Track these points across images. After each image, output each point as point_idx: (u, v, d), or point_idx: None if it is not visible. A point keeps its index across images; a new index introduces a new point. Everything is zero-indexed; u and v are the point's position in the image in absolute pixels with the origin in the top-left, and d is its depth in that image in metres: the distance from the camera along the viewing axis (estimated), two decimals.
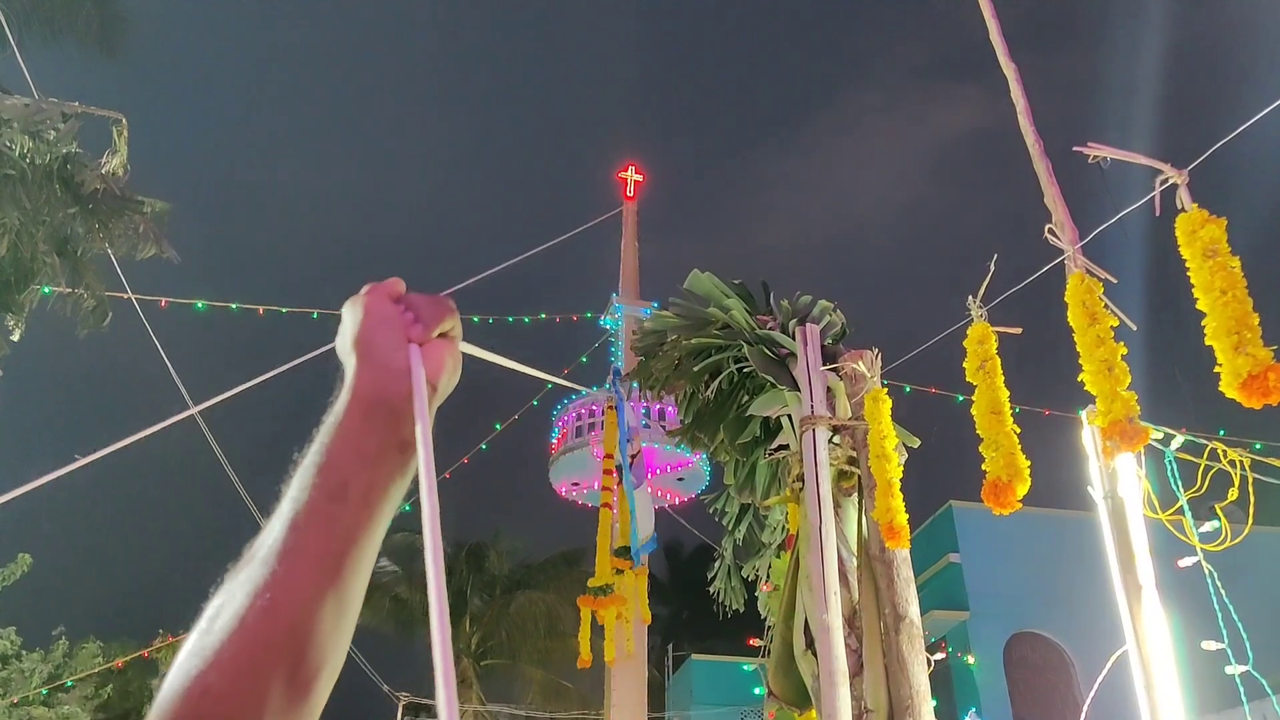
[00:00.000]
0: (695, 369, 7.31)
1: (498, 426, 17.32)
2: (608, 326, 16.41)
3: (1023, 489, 3.71)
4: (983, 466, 3.81)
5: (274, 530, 0.70)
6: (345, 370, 0.81)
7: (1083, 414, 4.92)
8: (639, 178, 20.34)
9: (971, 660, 20.01)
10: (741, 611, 11.03)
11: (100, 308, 9.48)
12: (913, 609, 4.94)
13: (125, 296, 10.73)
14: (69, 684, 16.88)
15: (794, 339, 6.72)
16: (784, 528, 9.02)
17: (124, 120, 9.63)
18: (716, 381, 7.17)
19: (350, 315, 0.83)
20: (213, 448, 11.81)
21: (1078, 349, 3.39)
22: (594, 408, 19.12)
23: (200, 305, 13.05)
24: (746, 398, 7.44)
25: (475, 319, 15.73)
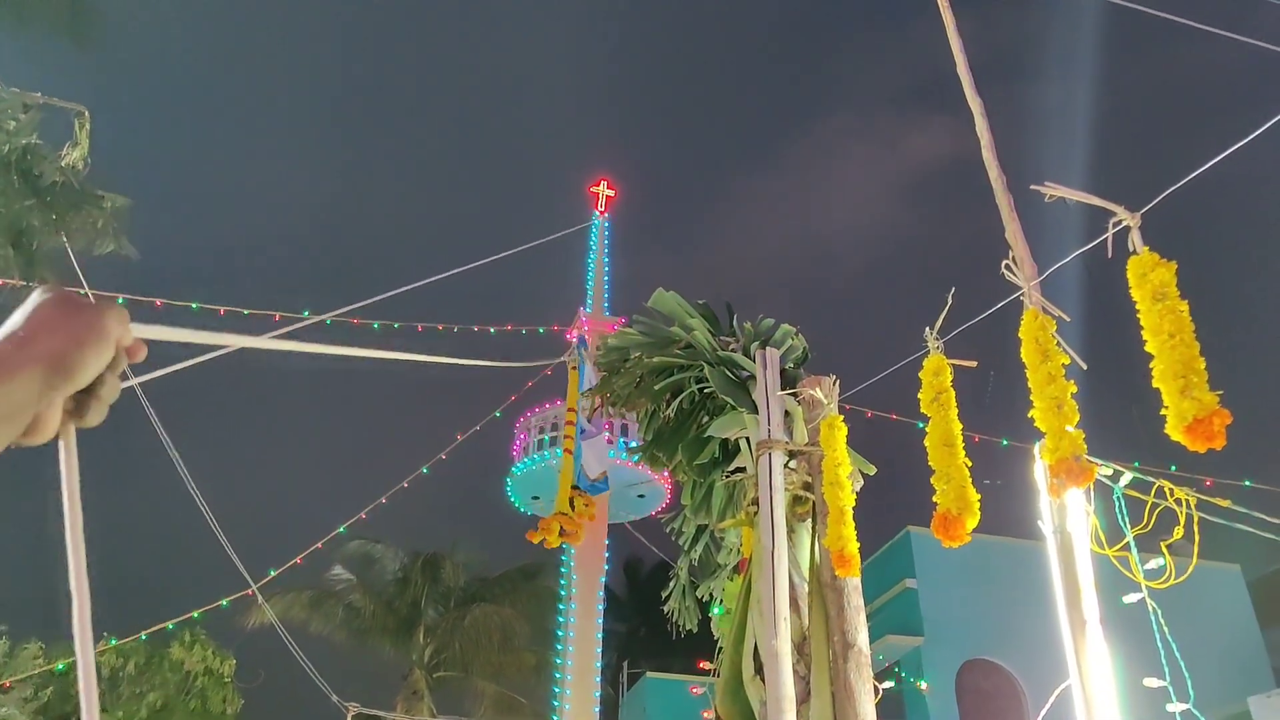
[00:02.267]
0: (656, 387, 7.30)
1: (458, 437, 17.19)
2: (574, 343, 16.41)
3: (972, 522, 3.73)
4: (934, 499, 3.82)
5: None
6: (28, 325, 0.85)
7: (1035, 447, 4.97)
8: (610, 192, 20.40)
9: (924, 686, 20.12)
10: (695, 632, 10.99)
11: None
12: (861, 637, 4.94)
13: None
14: (8, 685, 16.46)
15: (755, 361, 6.74)
16: (739, 550, 9.02)
17: (86, 113, 9.48)
18: (677, 401, 7.17)
19: (18, 314, 0.88)
20: (160, 435, 11.61)
21: (1030, 385, 3.43)
22: (557, 420, 19.05)
23: (158, 304, 12.83)
24: (707, 418, 7.44)
25: (440, 327, 15.62)
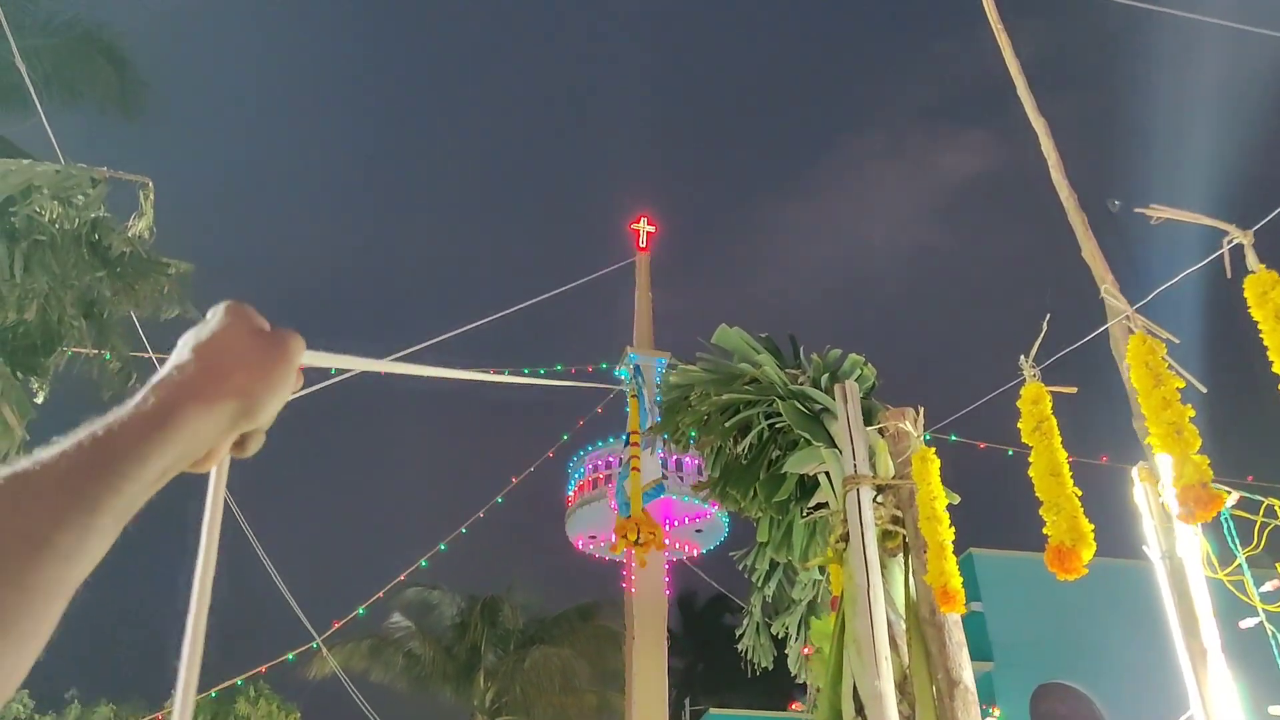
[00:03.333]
0: (726, 424, 7.25)
1: (513, 480, 17.21)
2: (623, 378, 16.55)
3: (1088, 554, 3.63)
4: (1044, 530, 3.73)
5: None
6: (168, 368, 0.80)
7: (1134, 470, 4.84)
8: (651, 228, 20.47)
9: (997, 713, 19.58)
10: (765, 668, 10.84)
11: (125, 369, 9.49)
12: (966, 674, 4.82)
13: (146, 356, 10.74)
14: None
15: (827, 393, 6.67)
16: (815, 585, 8.88)
17: (150, 184, 9.72)
18: (748, 438, 7.11)
19: (200, 331, 0.84)
20: (233, 511, 11.74)
21: (1143, 411, 3.34)
22: (610, 459, 19.02)
23: None
24: (778, 453, 7.37)
25: (492, 371, 15.71)
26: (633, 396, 14.94)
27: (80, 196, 8.65)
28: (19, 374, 8.92)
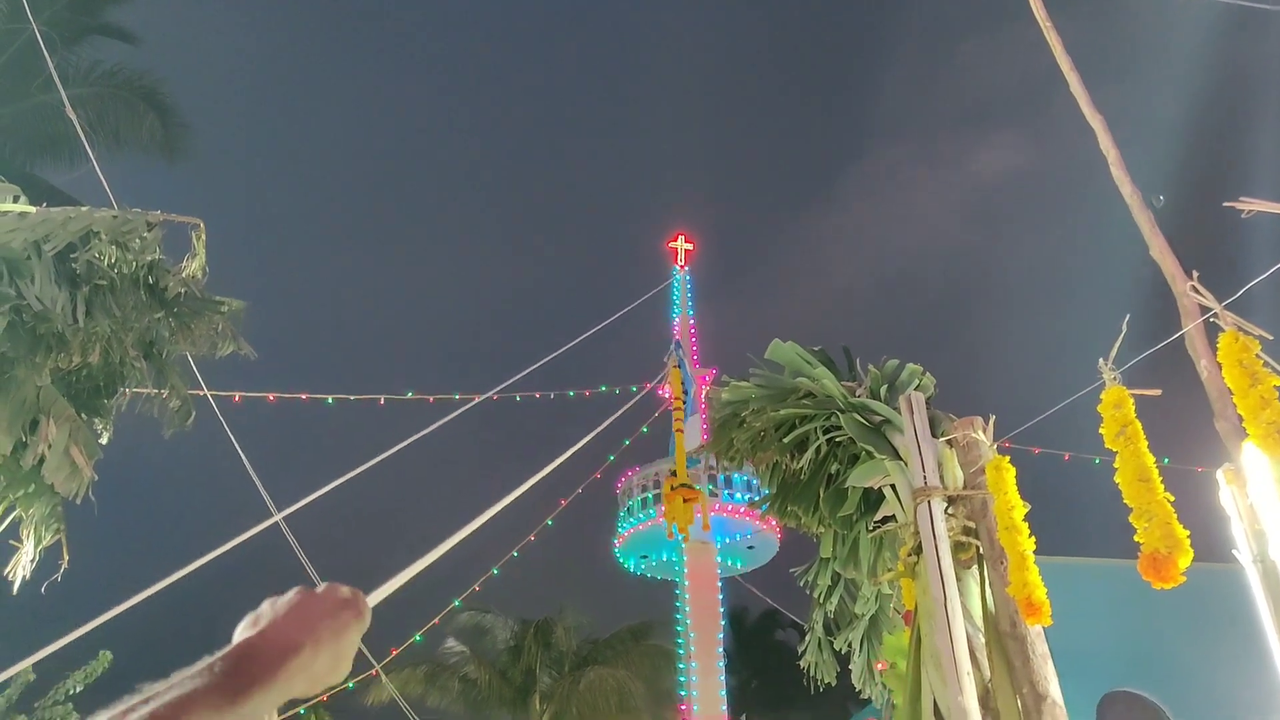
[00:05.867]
0: (785, 440, 7.17)
1: (562, 502, 17.22)
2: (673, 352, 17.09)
3: (1185, 560, 3.52)
4: (1136, 538, 3.62)
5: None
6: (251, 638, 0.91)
7: (1219, 473, 4.71)
8: (689, 246, 20.48)
9: None
10: (828, 682, 10.67)
11: (184, 407, 9.64)
12: (1053, 688, 4.70)
13: (201, 394, 10.92)
14: None
15: (887, 404, 6.58)
16: (878, 599, 8.74)
17: (202, 225, 9.90)
18: (808, 453, 7.02)
19: (280, 605, 0.96)
20: (290, 543, 11.86)
21: (1240, 411, 3.24)
22: (658, 477, 18.94)
23: (272, 398, 13.23)
24: (837, 467, 7.27)
25: (536, 395, 15.78)
26: (675, 368, 15.39)
27: (137, 240, 8.83)
28: (84, 415, 9.10)
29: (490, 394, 15.26)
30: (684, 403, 14.79)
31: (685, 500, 12.08)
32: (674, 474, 12.73)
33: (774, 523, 15.75)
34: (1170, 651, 17.57)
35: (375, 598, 1.06)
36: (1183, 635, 17.77)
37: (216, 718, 0.80)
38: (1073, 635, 19.84)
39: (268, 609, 0.95)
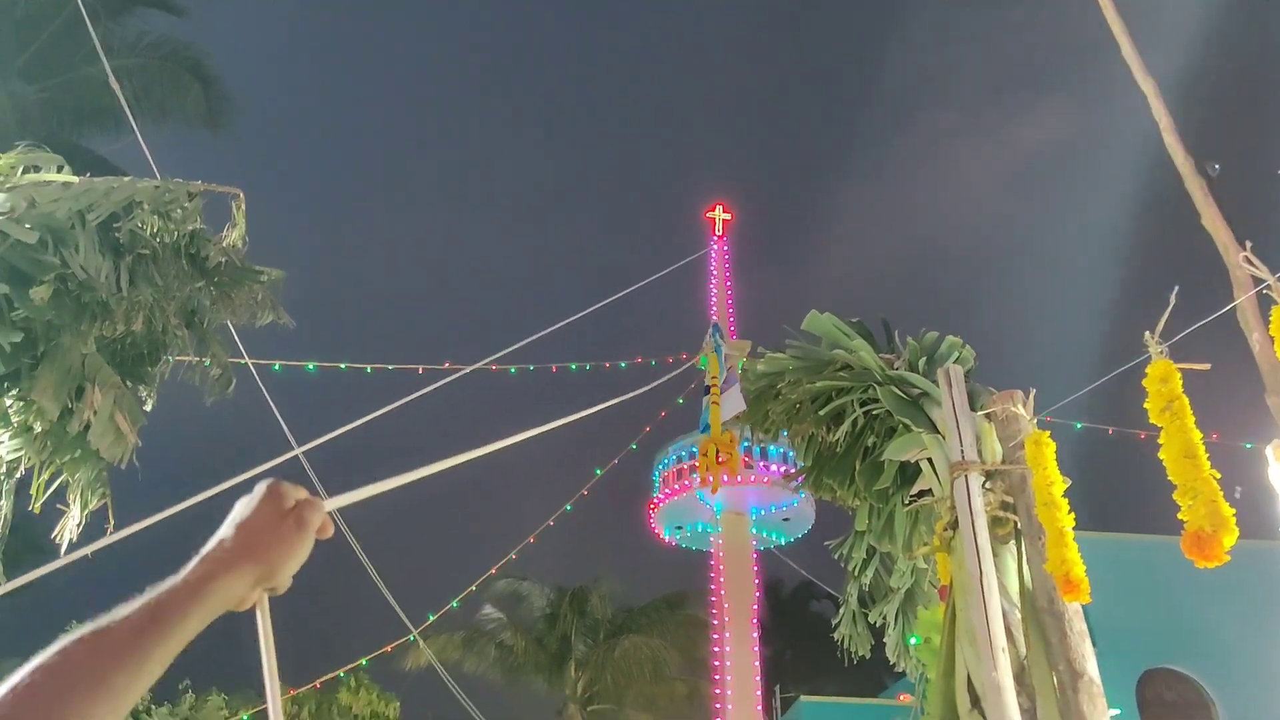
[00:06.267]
0: (821, 412, 7.11)
1: (598, 472, 17.29)
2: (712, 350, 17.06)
3: (1230, 539, 3.43)
4: (1179, 515, 3.54)
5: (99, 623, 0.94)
6: (215, 541, 1.07)
7: (1269, 449, 4.58)
8: (727, 216, 20.30)
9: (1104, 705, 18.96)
10: (867, 657, 10.66)
11: (225, 375, 9.78)
12: (1090, 665, 4.63)
13: (241, 362, 11.08)
14: None
15: (926, 378, 6.48)
16: (913, 572, 8.69)
17: (241, 195, 9.98)
18: (844, 426, 6.95)
19: (244, 508, 1.10)
20: (315, 484, 12.05)
21: None
22: (693, 449, 18.94)
23: (311, 366, 13.40)
24: (874, 440, 7.20)
25: (574, 366, 15.80)
26: (711, 353, 15.91)
27: (179, 210, 8.92)
28: (129, 383, 9.26)
29: (525, 365, 15.31)
30: (719, 385, 14.96)
31: (719, 462, 12.16)
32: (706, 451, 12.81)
33: (808, 495, 15.69)
34: (1210, 628, 17.33)
35: (335, 503, 1.20)
36: (1223, 612, 17.49)
37: (139, 641, 0.93)
38: (1112, 612, 19.70)
39: (228, 519, 1.10)
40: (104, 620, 0.93)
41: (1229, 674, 17.93)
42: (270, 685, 1.16)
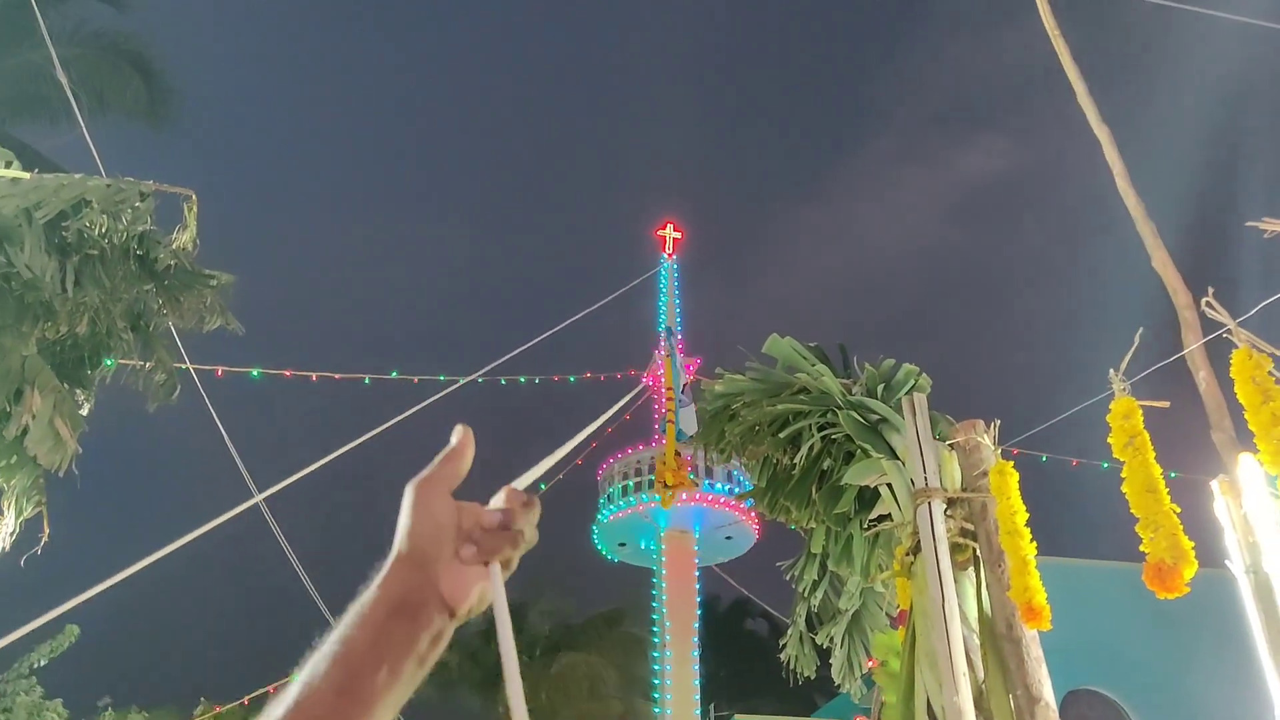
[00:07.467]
0: (780, 434, 7.21)
1: (542, 486, 17.18)
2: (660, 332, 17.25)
3: (1190, 571, 3.58)
4: (1141, 548, 3.68)
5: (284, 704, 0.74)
6: (392, 554, 0.85)
7: (1214, 484, 4.79)
8: (677, 234, 20.45)
9: None
10: (805, 674, 10.75)
11: (169, 381, 9.52)
12: (1046, 690, 4.77)
13: (184, 367, 10.79)
14: None
15: (883, 403, 6.63)
16: (861, 595, 8.82)
17: (194, 196, 9.75)
18: (803, 450, 7.06)
19: (410, 502, 0.86)
20: (268, 522, 11.75)
21: (1251, 427, 3.29)
22: (639, 465, 18.98)
23: (255, 374, 13.10)
24: (831, 464, 7.32)
25: (522, 379, 15.73)
26: (665, 357, 16.17)
27: (129, 210, 8.69)
28: (67, 386, 8.95)
29: (474, 376, 15.20)
30: (674, 394, 15.02)
31: (670, 486, 12.39)
32: (664, 463, 12.92)
33: (755, 515, 15.82)
34: (1132, 651, 17.90)
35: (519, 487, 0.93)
36: (1145, 635, 18.08)
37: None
38: (1040, 634, 20.08)
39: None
40: (293, 697, 0.76)
41: (1149, 696, 18.54)
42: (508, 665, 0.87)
